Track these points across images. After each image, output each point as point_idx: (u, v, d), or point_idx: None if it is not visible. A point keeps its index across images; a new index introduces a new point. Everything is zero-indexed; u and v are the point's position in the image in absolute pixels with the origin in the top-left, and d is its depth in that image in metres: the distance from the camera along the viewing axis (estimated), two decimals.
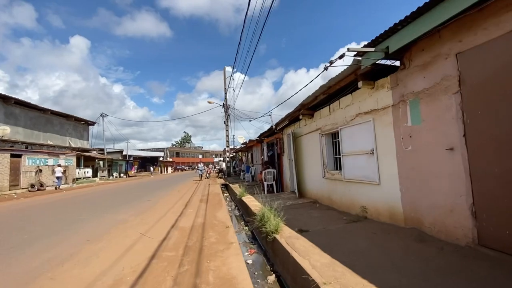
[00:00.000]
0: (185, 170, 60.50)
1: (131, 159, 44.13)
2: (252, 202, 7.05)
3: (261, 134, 11.46)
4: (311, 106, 6.34)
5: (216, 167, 35.88)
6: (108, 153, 40.77)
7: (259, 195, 9.03)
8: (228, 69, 27.45)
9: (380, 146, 4.05)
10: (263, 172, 9.19)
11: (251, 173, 15.78)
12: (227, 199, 10.70)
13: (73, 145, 26.74)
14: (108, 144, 43.76)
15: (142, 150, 58.75)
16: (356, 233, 3.54)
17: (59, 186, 17.15)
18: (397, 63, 3.79)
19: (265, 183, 9.15)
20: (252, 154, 16.91)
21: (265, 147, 12.00)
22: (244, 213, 7.17)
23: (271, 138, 11.14)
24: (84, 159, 28.02)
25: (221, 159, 28.13)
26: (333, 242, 3.22)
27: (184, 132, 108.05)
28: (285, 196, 8.02)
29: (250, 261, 3.63)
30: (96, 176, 27.97)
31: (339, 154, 5.44)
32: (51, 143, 22.62)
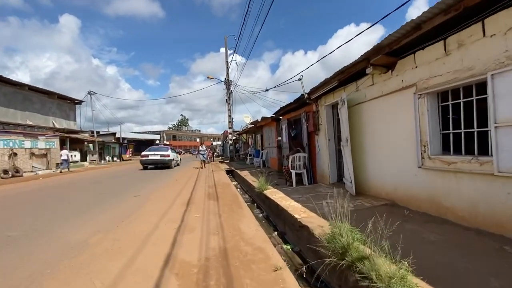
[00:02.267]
0: (182, 154, 58.18)
1: (125, 142, 41.55)
2: (286, 202, 4.71)
3: (281, 109, 8.96)
4: (391, 51, 3.82)
5: (215, 150, 33.29)
6: (100, 135, 38.09)
7: (285, 187, 6.71)
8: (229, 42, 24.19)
9: None
10: (291, 157, 6.80)
11: (261, 157, 13.43)
12: (240, 191, 8.39)
13: (57, 126, 24.00)
14: (103, 127, 41.06)
15: (137, 133, 55.99)
16: None
17: (65, 169, 16.91)
18: None
19: (293, 172, 6.79)
20: (262, 136, 14.45)
21: (284, 126, 9.54)
22: (275, 218, 4.84)
23: (294, 113, 8.66)
24: (71, 141, 25.41)
25: (212, 143, 25.34)
26: None
27: (181, 115, 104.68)
28: (326, 191, 5.68)
29: None
30: (86, 160, 25.52)
31: (454, 129, 3.03)
32: (30, 123, 19.90)
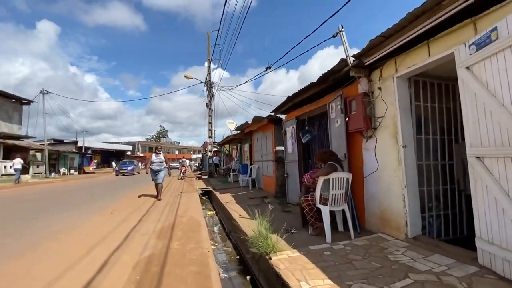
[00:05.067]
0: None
1: (89, 152, 36.24)
2: None
3: (289, 100, 5.57)
4: None
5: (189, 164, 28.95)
6: (57, 143, 32.77)
7: (312, 243, 3.20)
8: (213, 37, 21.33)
9: None
10: (322, 179, 3.37)
11: (249, 174, 9.91)
12: (215, 241, 4.80)
13: None
14: (71, 137, 35.63)
15: (106, 142, 50.37)
16: None
17: (17, 180, 15.17)
18: None
19: (326, 210, 3.37)
20: (251, 146, 10.98)
21: (289, 129, 6.23)
22: None
23: (311, 106, 5.36)
24: (10, 149, 20.42)
25: (184, 160, 21.47)
26: None
27: (160, 126, 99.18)
28: (427, 266, 2.28)
29: None
30: (28, 173, 20.47)
31: None
32: None
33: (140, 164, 38.11)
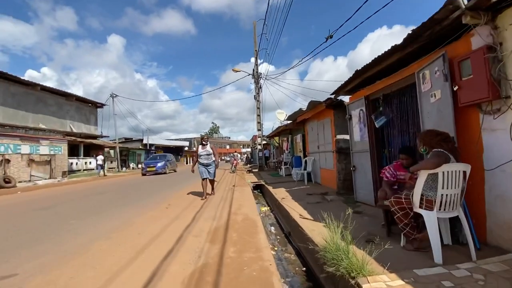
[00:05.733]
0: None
1: (153, 148, 39.88)
2: None
3: (357, 75, 4.49)
4: None
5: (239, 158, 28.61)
6: (126, 141, 36.83)
7: (429, 268, 2.08)
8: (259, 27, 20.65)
9: None
10: (426, 174, 2.39)
11: (304, 168, 9.05)
12: (276, 241, 4.18)
13: (75, 130, 22.21)
14: (138, 136, 39.95)
15: (167, 139, 55.01)
16: None
17: (101, 173, 18.42)
18: None
19: (432, 216, 2.39)
20: (305, 136, 10.06)
21: (355, 112, 5.18)
22: None
23: (387, 81, 4.23)
24: (90, 147, 23.54)
25: (236, 154, 21.14)
26: None
27: (212, 122, 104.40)
28: None
29: None
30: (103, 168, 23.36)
31: None
32: (43, 126, 17.98)
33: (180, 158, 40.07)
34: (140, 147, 36.47)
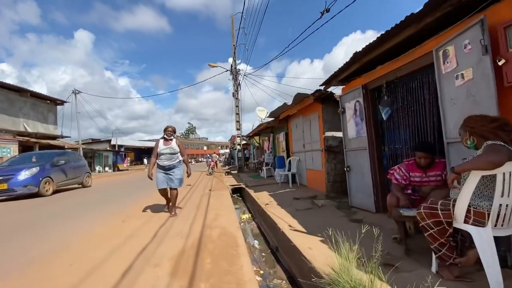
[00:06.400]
0: (192, 163, 53.46)
1: (122, 150, 37.23)
2: None
3: (356, 59, 3.78)
4: None
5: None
6: (93, 142, 33.99)
7: None
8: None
9: None
10: (479, 176, 1.70)
11: (288, 169, 8.32)
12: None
13: (30, 130, 19.70)
14: (109, 137, 36.94)
15: (138, 140, 52.08)
16: None
17: None
18: None
19: (485, 234, 1.70)
20: (288, 134, 9.35)
21: (350, 105, 4.52)
22: None
23: (393, 64, 3.57)
24: (46, 148, 21.04)
25: (214, 154, 20.16)
26: None
27: (189, 123, 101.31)
28: None
29: None
30: None
31: None
32: None
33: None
34: (108, 148, 33.82)
